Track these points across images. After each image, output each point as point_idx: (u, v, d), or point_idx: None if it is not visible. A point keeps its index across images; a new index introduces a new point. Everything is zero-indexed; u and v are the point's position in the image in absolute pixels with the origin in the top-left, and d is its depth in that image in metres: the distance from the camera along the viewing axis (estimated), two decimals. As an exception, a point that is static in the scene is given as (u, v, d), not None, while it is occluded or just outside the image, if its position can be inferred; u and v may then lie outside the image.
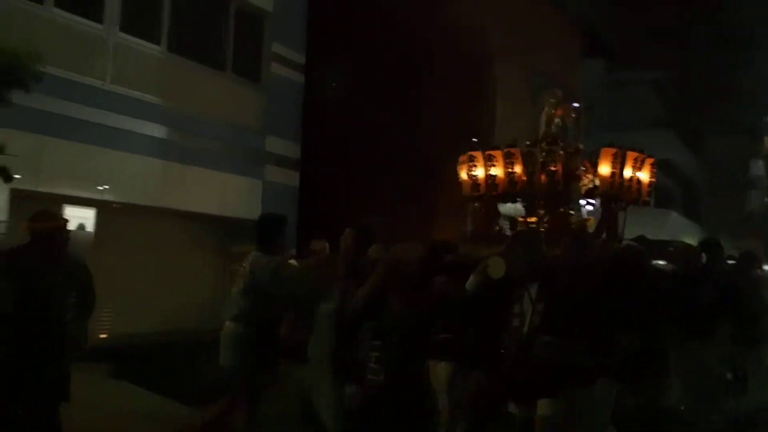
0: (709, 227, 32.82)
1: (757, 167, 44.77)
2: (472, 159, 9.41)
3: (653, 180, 9.74)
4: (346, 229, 5.69)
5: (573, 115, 9.99)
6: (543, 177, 9.13)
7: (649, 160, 9.57)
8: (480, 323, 5.51)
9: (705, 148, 34.96)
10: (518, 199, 9.52)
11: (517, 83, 16.31)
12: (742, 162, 40.58)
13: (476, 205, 9.83)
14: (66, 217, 5.14)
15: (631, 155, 9.28)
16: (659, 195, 28.90)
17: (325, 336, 5.39)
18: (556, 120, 9.79)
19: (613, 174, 9.11)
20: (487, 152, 9.38)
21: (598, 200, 9.62)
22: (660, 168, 30.04)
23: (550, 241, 7.02)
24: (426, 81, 14.75)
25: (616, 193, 9.20)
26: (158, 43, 11.31)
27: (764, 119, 41.40)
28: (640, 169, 9.45)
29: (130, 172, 10.39)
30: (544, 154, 9.20)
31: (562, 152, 9.26)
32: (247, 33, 12.98)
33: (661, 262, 8.54)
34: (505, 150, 9.29)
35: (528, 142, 9.48)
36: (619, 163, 9.13)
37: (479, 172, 9.36)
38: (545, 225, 9.40)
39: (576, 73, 20.48)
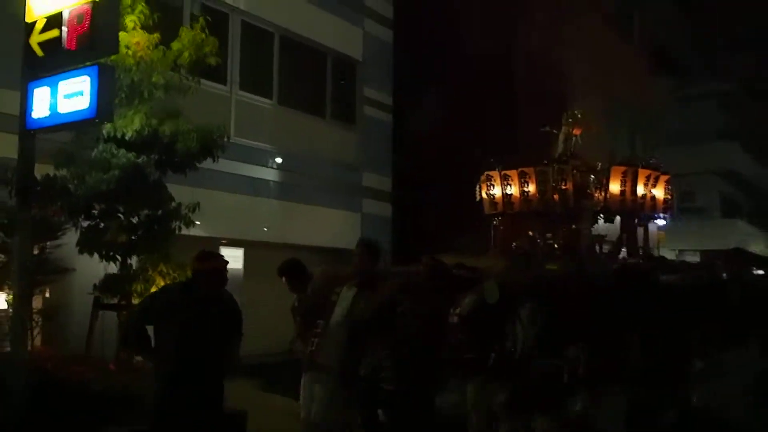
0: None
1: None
2: (489, 178, 9.83)
3: (668, 196, 9.90)
4: (358, 241, 5.92)
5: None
6: (555, 195, 9.41)
7: (664, 177, 9.79)
8: (477, 341, 5.55)
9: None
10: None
11: (594, 108, 17.41)
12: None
13: (495, 222, 10.21)
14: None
15: (643, 173, 9.48)
16: (726, 205, 29.36)
17: (336, 344, 5.48)
18: (574, 139, 10.10)
19: (623, 192, 9.33)
20: (503, 172, 9.72)
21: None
22: (726, 178, 30.34)
23: (563, 258, 7.57)
24: (504, 111, 15.92)
25: (628, 209, 9.41)
26: (270, 98, 12.84)
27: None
28: (654, 185, 9.68)
29: (258, 213, 11.86)
30: (555, 173, 9.43)
31: (574, 171, 9.43)
32: (341, 81, 14.44)
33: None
34: (520, 170, 9.63)
35: (545, 162, 9.70)
36: (630, 181, 9.36)
37: (496, 191, 9.71)
38: (558, 242, 9.66)
39: (647, 92, 21.32)
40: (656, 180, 9.73)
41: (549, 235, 9.75)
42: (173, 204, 7.31)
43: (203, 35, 7.26)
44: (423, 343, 5.28)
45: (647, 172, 9.55)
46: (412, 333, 5.31)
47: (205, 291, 4.86)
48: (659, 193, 9.84)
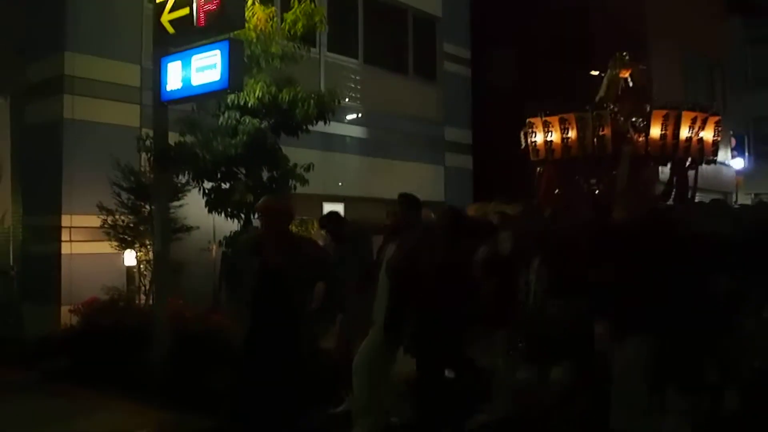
0: None
1: None
2: (531, 125, 9.55)
3: (718, 138, 9.39)
4: (399, 195, 5.86)
5: (642, 75, 9.72)
6: (594, 140, 9.01)
7: (713, 119, 9.31)
8: (494, 290, 5.53)
9: None
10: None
11: (669, 54, 17.37)
12: None
13: (538, 169, 9.99)
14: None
15: (687, 115, 9.00)
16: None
17: (384, 299, 5.49)
18: (621, 82, 9.68)
19: (663, 135, 8.91)
20: (545, 119, 9.39)
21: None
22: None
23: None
24: (579, 60, 16.00)
25: (670, 153, 9.04)
26: (356, 57, 13.28)
27: None
28: (703, 128, 9.19)
29: (351, 170, 12.42)
30: (593, 118, 9.02)
31: (613, 115, 8.95)
32: (422, 38, 14.74)
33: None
34: (560, 116, 9.28)
35: (587, 107, 9.29)
36: (671, 125, 8.88)
37: (538, 137, 9.44)
38: (599, 187, 9.42)
39: (717, 34, 20.96)
40: (704, 122, 9.24)
41: (594, 181, 9.63)
42: (290, 164, 7.89)
43: (312, 5, 7.73)
44: (444, 294, 5.18)
45: (692, 114, 9.09)
46: (433, 285, 5.21)
47: (269, 236, 4.89)
48: (708, 135, 9.36)
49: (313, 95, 7.67)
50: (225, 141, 7.37)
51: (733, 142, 20.87)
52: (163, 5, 7.13)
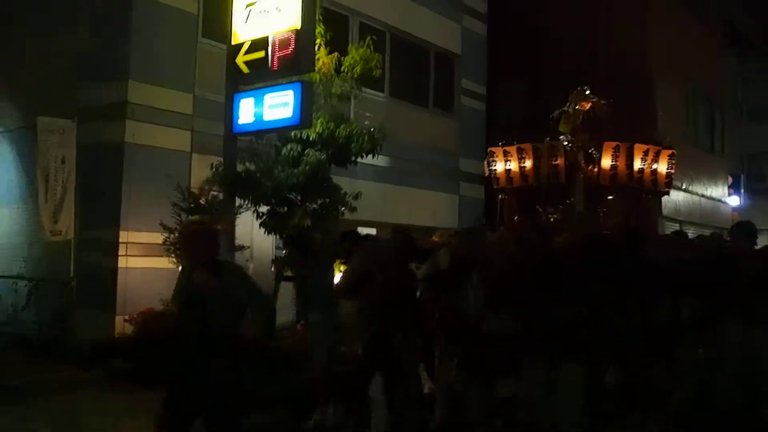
0: None
1: None
2: (492, 155, 10.06)
3: (671, 171, 9.76)
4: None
5: (602, 109, 9.91)
6: (547, 170, 9.41)
7: (666, 152, 9.74)
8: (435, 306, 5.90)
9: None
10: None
11: (673, 91, 18.46)
12: None
13: (500, 197, 10.51)
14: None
15: (639, 148, 9.42)
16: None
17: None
18: (581, 115, 10.01)
19: (613, 167, 9.34)
20: (504, 148, 9.88)
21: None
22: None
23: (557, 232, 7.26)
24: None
25: (622, 183, 9.30)
26: (383, 91, 14.16)
27: None
28: (655, 160, 9.60)
29: (378, 197, 13.24)
30: (547, 149, 9.38)
31: (567, 147, 9.30)
32: (443, 74, 15.68)
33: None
34: (517, 146, 9.79)
35: (548, 138, 9.68)
36: (623, 156, 9.29)
37: (498, 166, 9.94)
38: (552, 216, 9.68)
39: (716, 70, 22.05)
40: (657, 155, 9.66)
41: (551, 209, 9.96)
42: (342, 192, 8.71)
43: (368, 51, 8.60)
44: (393, 309, 5.56)
45: (644, 147, 9.53)
46: (383, 302, 5.58)
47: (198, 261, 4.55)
48: (662, 167, 9.77)
49: (365, 131, 8.50)
50: (287, 170, 8.17)
51: (730, 180, 21.91)
52: (239, 47, 7.98)
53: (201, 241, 4.58)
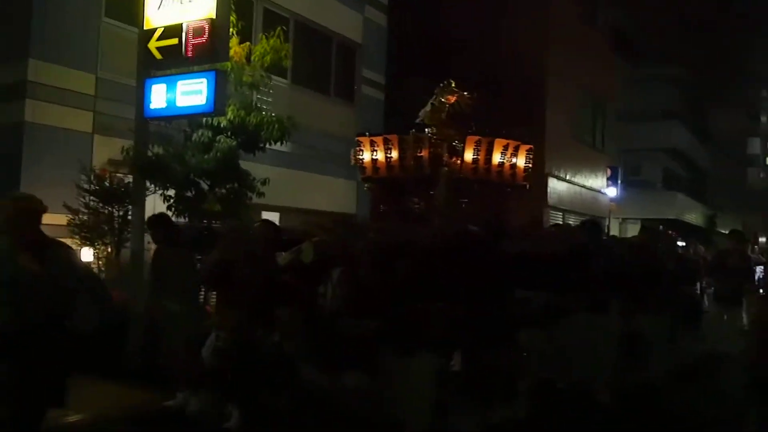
0: (713, 205, 35.98)
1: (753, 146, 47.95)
2: (359, 144, 10.00)
3: (529, 165, 9.98)
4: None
5: (468, 103, 10.06)
6: (411, 162, 9.41)
7: (525, 147, 9.96)
8: (294, 297, 5.82)
9: (709, 133, 37.79)
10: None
11: (564, 91, 19.64)
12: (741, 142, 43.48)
13: (366, 187, 10.54)
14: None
15: (499, 142, 9.56)
16: (668, 179, 32.14)
17: None
18: (447, 107, 10.03)
19: (475, 160, 9.45)
20: (371, 138, 9.83)
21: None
22: (669, 155, 33.14)
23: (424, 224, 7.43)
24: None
25: (481, 177, 9.52)
26: (286, 78, 14.37)
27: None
28: (515, 155, 9.81)
29: (282, 182, 13.45)
30: (412, 140, 9.46)
31: (431, 138, 9.45)
32: (344, 63, 16.04)
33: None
34: (383, 136, 9.78)
35: (413, 130, 9.73)
36: (483, 150, 9.44)
37: (365, 156, 9.85)
38: (417, 207, 9.80)
39: (608, 73, 23.64)
40: (516, 150, 9.88)
41: (416, 200, 9.95)
42: (251, 178, 8.96)
43: (278, 42, 8.87)
44: (258, 298, 5.59)
45: (504, 142, 9.70)
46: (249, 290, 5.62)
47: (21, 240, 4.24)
48: (521, 161, 10.00)
49: (275, 119, 8.78)
50: (199, 156, 8.34)
51: (609, 172, 23.48)
52: (151, 32, 8.06)
53: (26, 220, 4.29)
